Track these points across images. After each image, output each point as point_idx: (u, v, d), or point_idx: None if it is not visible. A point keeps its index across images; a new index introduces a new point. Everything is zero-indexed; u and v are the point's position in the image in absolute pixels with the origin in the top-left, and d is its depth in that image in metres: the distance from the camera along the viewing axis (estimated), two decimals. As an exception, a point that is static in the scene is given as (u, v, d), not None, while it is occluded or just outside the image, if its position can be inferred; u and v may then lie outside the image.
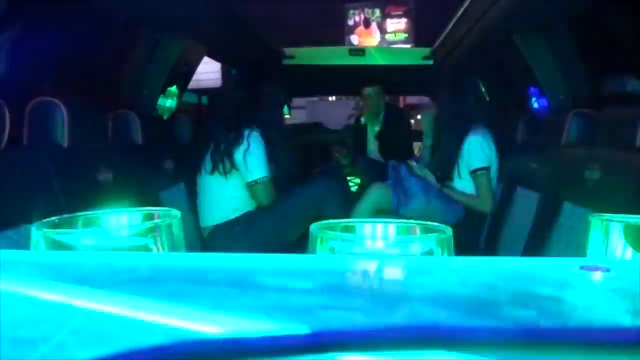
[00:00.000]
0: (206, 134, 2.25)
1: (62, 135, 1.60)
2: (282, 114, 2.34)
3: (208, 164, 2.16)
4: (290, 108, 5.37)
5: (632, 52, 2.22)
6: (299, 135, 4.64)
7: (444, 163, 2.51)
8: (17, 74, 1.80)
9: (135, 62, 2.50)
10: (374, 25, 3.56)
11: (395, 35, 3.55)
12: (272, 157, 2.22)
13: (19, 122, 1.54)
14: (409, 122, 4.41)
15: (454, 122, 2.46)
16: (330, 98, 8.80)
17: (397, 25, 3.54)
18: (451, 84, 2.55)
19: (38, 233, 0.45)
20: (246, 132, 2.12)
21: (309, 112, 7.47)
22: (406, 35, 3.54)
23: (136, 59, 2.49)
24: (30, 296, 0.29)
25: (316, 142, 4.72)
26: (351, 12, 3.51)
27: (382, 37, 3.56)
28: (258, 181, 2.14)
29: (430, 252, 0.45)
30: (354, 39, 3.60)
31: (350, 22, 3.52)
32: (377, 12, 3.52)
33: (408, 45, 3.83)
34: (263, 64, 2.34)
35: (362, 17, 3.53)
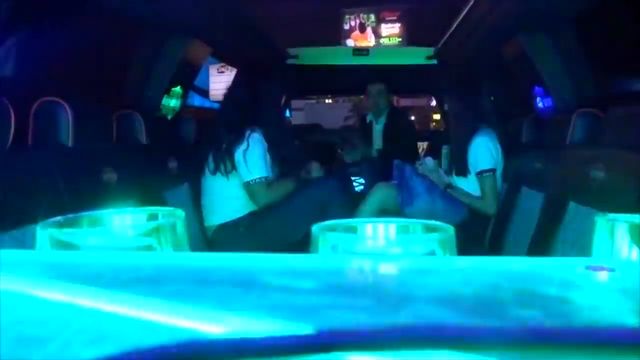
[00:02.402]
0: (209, 134, 2.25)
1: (67, 135, 1.60)
2: (283, 113, 2.33)
3: (211, 164, 2.16)
4: (291, 110, 5.41)
5: (637, 51, 2.21)
6: (300, 136, 4.67)
7: (454, 161, 2.51)
8: (22, 75, 1.80)
9: (139, 62, 2.50)
10: (369, 29, 3.60)
11: (389, 40, 3.61)
12: (276, 157, 2.21)
13: (24, 122, 1.54)
14: (413, 122, 4.41)
15: (463, 121, 2.46)
16: (327, 100, 8.91)
17: (391, 29, 3.60)
18: (461, 83, 2.55)
19: (43, 233, 0.45)
20: (247, 132, 2.12)
21: (306, 113, 7.55)
22: (400, 39, 3.61)
23: (140, 59, 2.50)
24: (35, 296, 0.29)
25: (317, 142, 4.74)
26: (347, 16, 3.57)
27: (377, 41, 3.63)
28: (253, 182, 2.13)
29: (432, 252, 0.45)
30: (350, 43, 3.66)
31: (346, 27, 3.57)
32: (372, 17, 3.58)
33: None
34: (263, 63, 2.33)
35: (358, 22, 3.58)
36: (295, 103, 5.40)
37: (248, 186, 2.14)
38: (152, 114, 2.46)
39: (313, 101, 8.63)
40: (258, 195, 2.16)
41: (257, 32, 2.94)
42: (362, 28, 3.62)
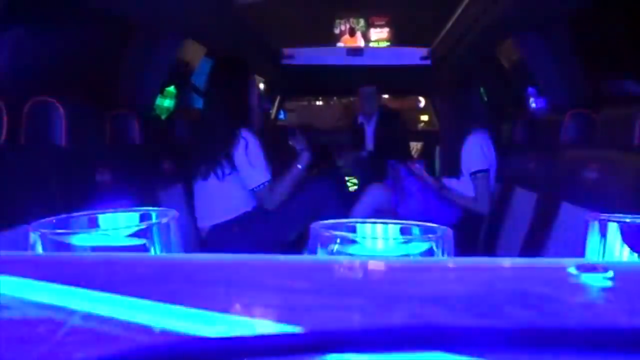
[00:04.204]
0: (199, 136, 2.23)
1: (60, 135, 1.59)
2: (270, 113, 2.30)
3: (202, 166, 2.14)
4: (285, 111, 5.45)
5: (630, 53, 2.23)
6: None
7: (447, 162, 2.52)
8: (15, 74, 1.79)
9: (133, 62, 2.49)
10: (358, 34, 3.70)
11: (378, 44, 3.72)
12: (268, 158, 2.20)
13: (16, 122, 1.54)
14: (405, 123, 4.42)
15: (456, 122, 2.47)
16: (318, 102, 9.14)
17: (379, 34, 3.72)
18: (455, 84, 2.55)
19: (35, 233, 0.45)
20: (241, 134, 2.09)
21: (299, 114, 7.69)
22: (388, 43, 3.71)
23: (134, 59, 2.49)
24: (27, 297, 0.29)
25: (311, 143, 4.77)
26: (337, 21, 3.67)
27: (366, 45, 3.72)
28: (257, 188, 2.12)
29: (429, 253, 0.45)
30: (340, 46, 3.75)
31: (337, 31, 3.68)
32: (362, 22, 3.70)
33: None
34: (240, 57, 2.30)
35: (348, 26, 3.69)
36: (288, 105, 5.50)
37: (254, 192, 2.14)
38: (145, 114, 2.45)
39: (305, 103, 8.91)
40: (267, 200, 2.15)
41: (251, 31, 2.93)
42: (352, 32, 3.69)
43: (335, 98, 8.27)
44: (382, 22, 3.71)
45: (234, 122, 2.10)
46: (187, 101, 3.31)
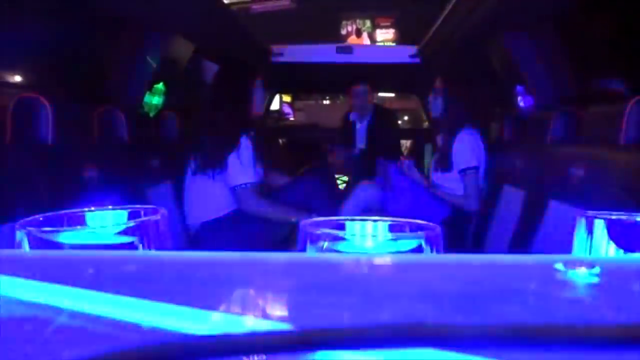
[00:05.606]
0: (192, 134, 2.23)
1: (47, 133, 1.58)
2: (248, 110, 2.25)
3: (193, 163, 2.14)
4: (294, 110, 5.52)
5: (616, 52, 2.25)
6: (297, 134, 4.75)
7: (437, 159, 2.53)
8: (0, 70, 1.77)
9: (121, 59, 2.47)
10: (364, 35, 3.77)
11: (384, 44, 3.79)
12: (261, 157, 2.20)
13: (1, 119, 1.52)
14: (397, 121, 4.43)
15: (446, 120, 2.48)
16: (325, 101, 9.27)
17: (385, 35, 3.81)
18: (444, 82, 2.56)
19: (22, 231, 0.44)
20: (237, 135, 2.10)
21: (306, 113, 7.79)
22: (394, 44, 3.77)
23: (122, 55, 2.47)
24: (14, 295, 0.29)
25: (312, 141, 4.82)
26: (344, 22, 3.73)
27: (359, 44, 3.79)
28: (239, 187, 2.11)
29: (418, 250, 0.45)
30: (329, 45, 3.82)
31: (343, 32, 3.74)
32: (368, 23, 3.77)
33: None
34: (246, 61, 2.31)
35: (354, 27, 3.76)
36: (296, 104, 5.59)
37: (234, 191, 2.14)
38: (133, 111, 2.43)
39: (312, 102, 9.13)
40: (244, 201, 2.14)
41: (240, 29, 2.92)
42: (359, 33, 3.74)
43: (341, 97, 8.36)
44: (388, 23, 3.78)
45: (235, 126, 2.12)
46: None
